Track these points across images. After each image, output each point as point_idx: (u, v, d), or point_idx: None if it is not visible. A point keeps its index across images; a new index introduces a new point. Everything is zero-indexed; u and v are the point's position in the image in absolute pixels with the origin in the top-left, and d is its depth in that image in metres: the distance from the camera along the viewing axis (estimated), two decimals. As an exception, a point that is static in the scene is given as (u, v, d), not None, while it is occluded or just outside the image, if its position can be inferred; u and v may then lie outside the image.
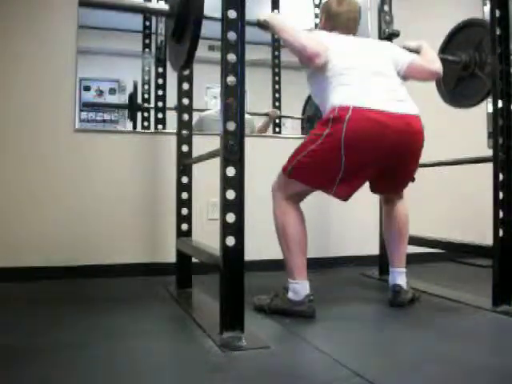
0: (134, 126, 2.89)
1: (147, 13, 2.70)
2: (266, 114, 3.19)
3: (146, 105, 2.91)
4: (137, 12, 2.52)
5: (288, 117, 3.23)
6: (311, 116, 3.10)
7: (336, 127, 1.77)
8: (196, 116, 2.72)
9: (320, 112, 2.00)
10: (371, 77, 1.89)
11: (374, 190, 2.12)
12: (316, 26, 3.21)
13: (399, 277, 2.08)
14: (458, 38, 2.59)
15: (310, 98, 3.15)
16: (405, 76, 2.02)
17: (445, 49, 2.66)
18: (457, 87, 2.52)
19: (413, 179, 2.06)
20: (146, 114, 2.92)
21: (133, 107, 2.89)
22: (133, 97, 2.90)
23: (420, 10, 3.32)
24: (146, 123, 2.91)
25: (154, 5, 2.44)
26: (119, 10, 2.24)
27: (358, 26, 2.11)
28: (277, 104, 3.23)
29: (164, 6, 1.97)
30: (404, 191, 2.14)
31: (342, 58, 1.90)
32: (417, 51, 2.14)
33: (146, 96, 2.93)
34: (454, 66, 2.49)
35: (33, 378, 1.30)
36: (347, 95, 1.81)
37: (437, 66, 2.06)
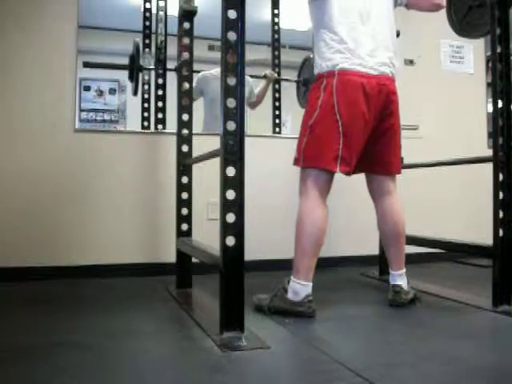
0: (136, 92, 2.83)
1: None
2: (264, 77, 3.22)
3: (146, 105, 2.91)
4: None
5: (285, 79, 3.26)
6: (307, 79, 3.10)
7: (327, 96, 1.89)
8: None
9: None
10: (362, 30, 1.92)
11: (369, 168, 2.08)
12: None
13: (399, 278, 2.08)
14: None
15: (305, 61, 3.16)
16: (408, 5, 2.11)
17: None
18: (467, 17, 2.46)
19: (401, 160, 2.14)
20: (145, 114, 2.91)
21: (134, 67, 2.79)
22: (134, 57, 2.79)
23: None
24: (145, 123, 2.91)
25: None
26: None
27: None
28: (277, 104, 3.23)
29: None
30: (397, 190, 2.12)
31: None
32: None
33: (146, 96, 2.93)
34: None
35: (33, 377, 1.30)
36: (334, 57, 1.90)
37: None
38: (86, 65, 2.75)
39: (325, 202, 1.93)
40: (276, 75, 3.23)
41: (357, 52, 1.90)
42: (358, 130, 1.90)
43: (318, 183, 1.92)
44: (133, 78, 2.79)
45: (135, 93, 2.81)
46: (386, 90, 1.95)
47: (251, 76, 3.16)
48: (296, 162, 1.97)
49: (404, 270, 2.10)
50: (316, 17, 2.00)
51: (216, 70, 2.96)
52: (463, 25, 2.46)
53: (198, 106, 2.92)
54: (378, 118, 1.97)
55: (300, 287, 1.87)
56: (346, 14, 1.92)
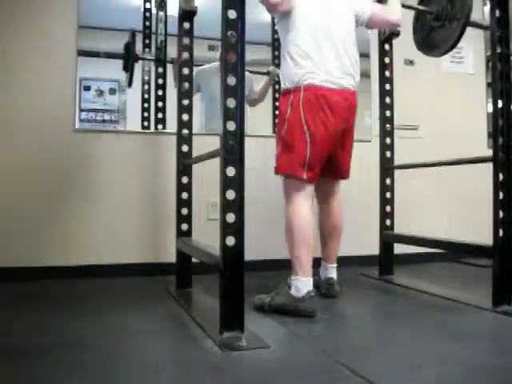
0: (130, 82, 2.83)
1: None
2: (267, 73, 3.17)
3: (146, 105, 2.91)
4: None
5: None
6: None
7: (294, 110, 1.98)
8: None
9: None
10: (326, 46, 2.00)
11: (325, 173, 2.15)
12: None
13: (332, 270, 2.25)
14: None
15: None
16: (367, 26, 2.21)
17: None
18: (429, 36, 2.52)
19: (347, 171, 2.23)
20: (145, 114, 2.91)
21: (129, 57, 2.79)
22: (130, 46, 2.78)
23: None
24: (145, 123, 2.91)
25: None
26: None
27: None
28: (277, 104, 3.23)
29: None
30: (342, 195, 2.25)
31: (303, 13, 2.01)
32: None
33: (146, 96, 2.92)
34: (427, 15, 2.50)
35: (33, 377, 1.30)
36: (300, 72, 1.98)
37: (395, 17, 2.16)
38: (82, 53, 2.74)
39: (308, 204, 2.00)
40: (278, 70, 3.21)
41: (322, 67, 1.98)
42: (324, 140, 1.99)
43: (298, 188, 1.99)
44: (128, 68, 2.78)
45: (129, 84, 2.81)
46: (348, 104, 2.03)
47: (253, 72, 3.11)
48: (276, 171, 2.05)
49: (336, 265, 2.26)
50: (282, 33, 2.08)
51: (215, 64, 2.92)
52: (425, 43, 2.52)
53: (196, 102, 2.90)
54: (341, 130, 2.05)
55: (300, 283, 1.89)
56: (311, 31, 2.00)
